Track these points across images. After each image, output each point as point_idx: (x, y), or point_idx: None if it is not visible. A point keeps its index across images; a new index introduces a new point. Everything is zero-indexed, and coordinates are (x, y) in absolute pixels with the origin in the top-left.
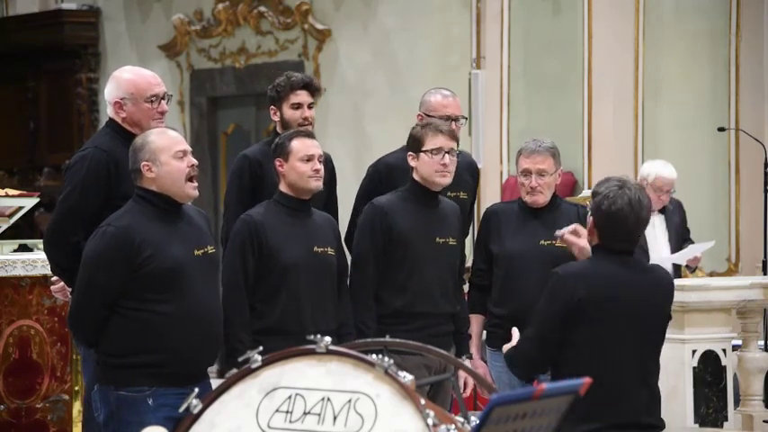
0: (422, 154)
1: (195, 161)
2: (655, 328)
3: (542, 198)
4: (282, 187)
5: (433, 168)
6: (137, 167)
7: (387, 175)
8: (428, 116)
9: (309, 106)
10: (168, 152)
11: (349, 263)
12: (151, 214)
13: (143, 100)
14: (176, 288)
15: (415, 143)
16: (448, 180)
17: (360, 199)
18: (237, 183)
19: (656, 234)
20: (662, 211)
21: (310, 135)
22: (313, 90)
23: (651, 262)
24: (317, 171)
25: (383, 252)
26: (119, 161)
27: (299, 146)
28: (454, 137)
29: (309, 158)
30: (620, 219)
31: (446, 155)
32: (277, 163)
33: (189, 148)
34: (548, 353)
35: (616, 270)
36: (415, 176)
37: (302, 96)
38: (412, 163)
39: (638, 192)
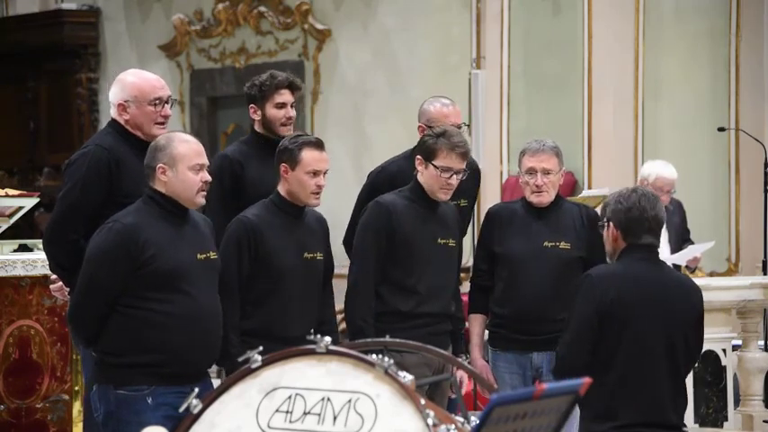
0: (431, 166)
1: (208, 177)
2: (684, 327)
3: (548, 197)
4: (282, 190)
5: (437, 185)
6: (152, 166)
7: (388, 185)
8: (429, 127)
9: (291, 105)
10: (187, 163)
11: (347, 262)
12: (158, 215)
13: (147, 103)
14: (177, 289)
15: (427, 152)
16: (447, 197)
17: (360, 206)
18: (218, 183)
19: None
20: None
21: (320, 146)
22: (294, 89)
23: None
24: (320, 187)
25: (385, 251)
26: (120, 159)
27: (308, 159)
28: (466, 157)
29: (316, 173)
30: (640, 211)
31: (454, 175)
32: (281, 168)
33: (206, 163)
34: (588, 355)
35: (646, 270)
36: (420, 179)
37: (286, 96)
38: (419, 167)
39: (647, 190)
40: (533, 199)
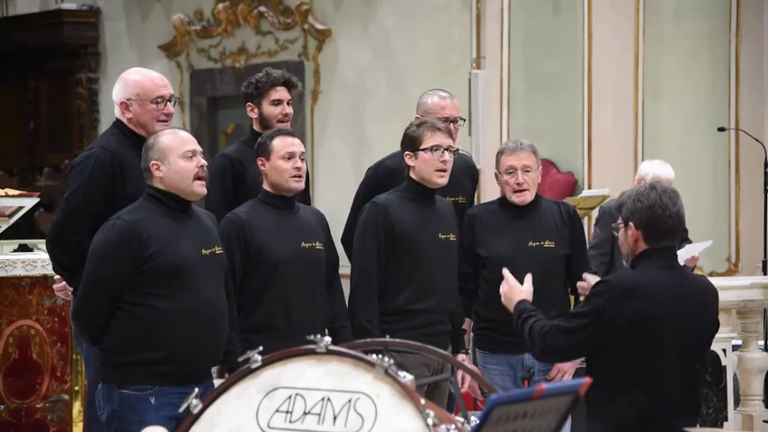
0: (420, 152)
1: (204, 162)
2: (703, 336)
3: (529, 195)
4: (266, 186)
5: (433, 167)
6: (146, 166)
7: (387, 178)
8: None
9: (288, 103)
10: (176, 152)
11: (348, 262)
12: (161, 212)
13: (149, 101)
14: (182, 285)
15: (411, 142)
16: (445, 181)
17: (359, 201)
18: (219, 183)
19: None
20: None
21: (291, 134)
22: (291, 87)
23: None
24: (298, 169)
25: (385, 250)
26: (123, 161)
27: (279, 144)
28: (451, 135)
29: (290, 156)
30: (662, 208)
31: (445, 152)
32: (259, 162)
33: (198, 149)
34: (574, 356)
35: (668, 280)
36: (413, 175)
37: (282, 93)
38: (409, 162)
39: (666, 186)
40: (515, 198)
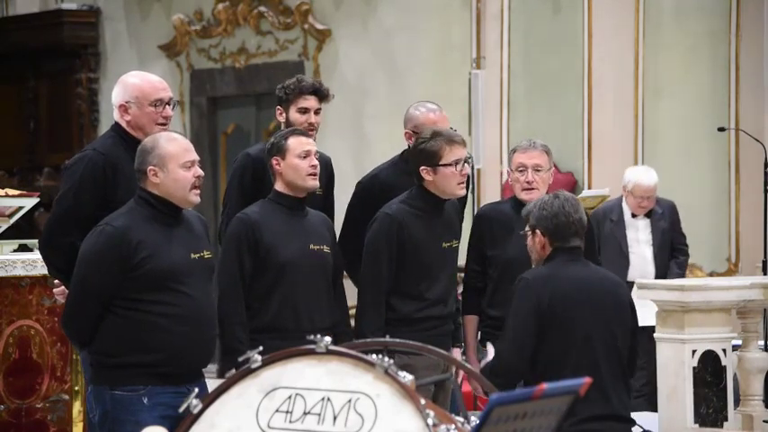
0: (441, 168)
1: (201, 172)
2: (619, 320)
3: (538, 194)
4: (278, 186)
5: (455, 181)
6: (143, 169)
7: (379, 193)
8: (416, 133)
9: (316, 112)
10: (177, 161)
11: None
12: (150, 216)
13: (147, 104)
14: (172, 289)
15: (429, 157)
16: (464, 191)
17: (354, 215)
18: (239, 181)
19: (639, 237)
20: (647, 215)
21: (305, 134)
22: (321, 96)
23: (631, 265)
24: (314, 167)
25: (396, 261)
26: (116, 165)
27: (295, 143)
28: (465, 143)
29: (306, 155)
30: (565, 216)
31: (465, 164)
32: (274, 162)
33: (197, 158)
34: (527, 357)
35: (579, 271)
36: (428, 188)
37: (311, 101)
38: (426, 177)
39: (568, 194)
40: (524, 196)
